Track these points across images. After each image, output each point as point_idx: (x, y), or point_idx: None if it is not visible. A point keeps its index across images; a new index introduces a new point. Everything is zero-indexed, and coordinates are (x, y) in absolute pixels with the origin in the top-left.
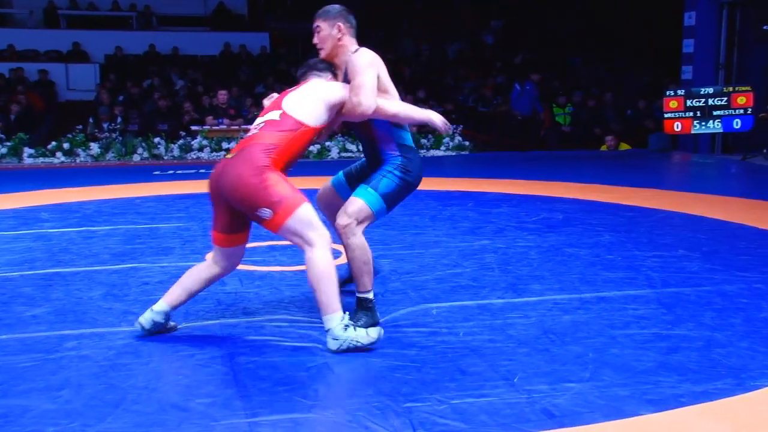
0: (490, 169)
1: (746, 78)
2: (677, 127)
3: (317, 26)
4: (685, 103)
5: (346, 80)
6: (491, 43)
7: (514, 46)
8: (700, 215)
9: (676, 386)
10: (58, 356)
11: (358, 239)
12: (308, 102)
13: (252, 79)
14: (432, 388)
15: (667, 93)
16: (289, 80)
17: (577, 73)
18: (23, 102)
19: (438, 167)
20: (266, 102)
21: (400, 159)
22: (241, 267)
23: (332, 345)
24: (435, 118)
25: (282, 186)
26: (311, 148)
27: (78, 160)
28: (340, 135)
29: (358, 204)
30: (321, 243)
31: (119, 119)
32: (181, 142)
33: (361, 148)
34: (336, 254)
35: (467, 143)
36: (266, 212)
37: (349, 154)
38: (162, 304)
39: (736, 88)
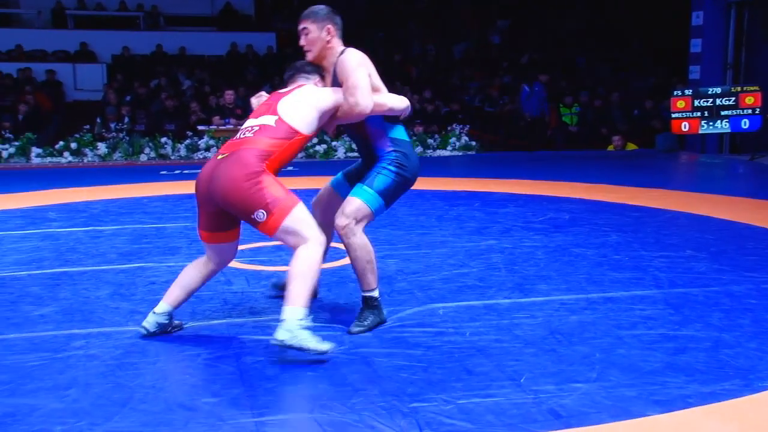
0: (497, 169)
1: (754, 78)
2: (685, 127)
3: (305, 28)
4: (693, 103)
5: (335, 82)
6: (497, 43)
7: (520, 46)
8: (707, 215)
9: (683, 387)
10: (65, 355)
11: (358, 239)
12: (302, 108)
13: (259, 79)
14: (438, 388)
15: (675, 93)
16: None
17: (583, 73)
18: (31, 102)
19: (444, 167)
20: (254, 101)
21: (394, 154)
22: (247, 267)
23: (281, 335)
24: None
25: (275, 188)
26: (317, 147)
27: (85, 160)
28: (345, 134)
29: (355, 203)
30: (317, 241)
31: (126, 119)
32: (188, 141)
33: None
34: (340, 255)
35: (474, 143)
36: (261, 214)
37: (356, 154)
38: (163, 306)
39: (744, 88)
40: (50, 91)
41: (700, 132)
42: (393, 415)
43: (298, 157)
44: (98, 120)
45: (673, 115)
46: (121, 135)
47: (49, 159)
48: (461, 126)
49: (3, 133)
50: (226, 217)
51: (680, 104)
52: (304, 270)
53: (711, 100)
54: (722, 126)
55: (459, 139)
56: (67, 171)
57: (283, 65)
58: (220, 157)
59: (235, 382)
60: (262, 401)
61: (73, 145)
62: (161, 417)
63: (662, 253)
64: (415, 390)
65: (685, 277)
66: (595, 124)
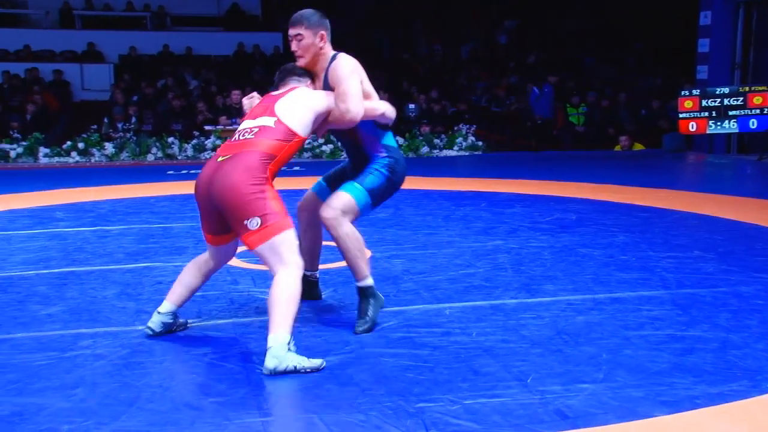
0: (503, 169)
1: (762, 78)
2: (692, 127)
3: (299, 34)
4: (701, 103)
5: (326, 86)
6: (504, 43)
7: (527, 46)
8: (715, 216)
9: (690, 388)
10: (72, 355)
11: (346, 227)
12: (299, 110)
13: (265, 79)
14: (445, 388)
15: (682, 93)
16: None
17: (590, 73)
18: (39, 102)
19: (451, 167)
20: (246, 102)
21: (388, 159)
22: (254, 267)
23: (270, 363)
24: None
25: (276, 203)
26: (323, 147)
27: (93, 160)
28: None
29: (344, 197)
30: (297, 266)
31: (133, 119)
32: (194, 141)
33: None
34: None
35: (480, 143)
36: (255, 222)
37: None
38: (167, 305)
39: (753, 88)
40: (58, 91)
41: (708, 132)
42: (399, 415)
43: (304, 157)
44: (105, 120)
45: (681, 115)
46: (128, 135)
47: (56, 159)
48: (468, 126)
49: (11, 133)
50: (225, 220)
51: (688, 104)
52: (286, 296)
53: (719, 100)
54: (730, 126)
55: (465, 139)
56: (74, 171)
57: None
58: (220, 159)
59: (241, 382)
60: (268, 401)
61: (81, 145)
62: (168, 416)
63: (670, 254)
64: (422, 390)
65: (693, 277)
66: (602, 124)
